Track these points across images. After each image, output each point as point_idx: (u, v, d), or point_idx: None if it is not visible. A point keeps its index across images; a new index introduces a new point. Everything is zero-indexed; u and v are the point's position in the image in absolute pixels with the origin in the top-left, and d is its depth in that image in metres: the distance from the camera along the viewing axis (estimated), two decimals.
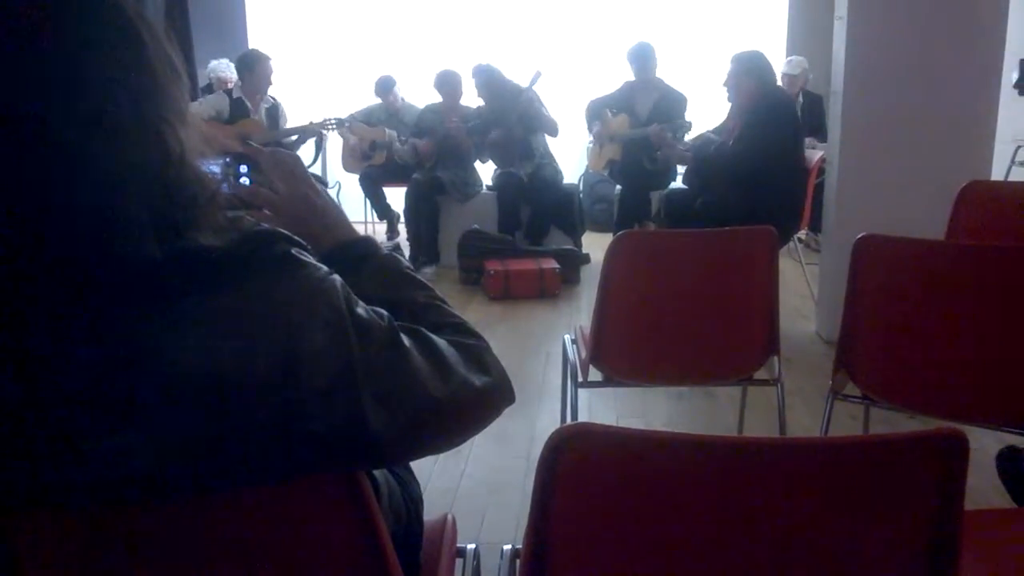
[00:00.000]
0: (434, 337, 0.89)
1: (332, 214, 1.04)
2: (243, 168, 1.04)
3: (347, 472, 0.83)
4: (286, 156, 1.06)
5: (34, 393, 0.69)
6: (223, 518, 0.79)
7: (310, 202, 1.02)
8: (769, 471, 0.79)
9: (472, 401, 0.89)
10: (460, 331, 0.95)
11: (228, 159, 1.03)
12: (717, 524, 0.84)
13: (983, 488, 2.31)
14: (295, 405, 0.73)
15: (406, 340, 0.84)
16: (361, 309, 0.80)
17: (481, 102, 5.81)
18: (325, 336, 0.75)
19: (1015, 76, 1.89)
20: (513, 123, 5.61)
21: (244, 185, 1.02)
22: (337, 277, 0.80)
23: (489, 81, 5.62)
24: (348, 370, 0.76)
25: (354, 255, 1.00)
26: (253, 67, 5.46)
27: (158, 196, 0.71)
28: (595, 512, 0.90)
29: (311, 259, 0.78)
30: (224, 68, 6.15)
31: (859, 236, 1.91)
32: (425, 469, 2.65)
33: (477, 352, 0.93)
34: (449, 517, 1.36)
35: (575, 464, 0.86)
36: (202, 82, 6.54)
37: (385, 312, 0.84)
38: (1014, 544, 1.36)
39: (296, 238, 0.78)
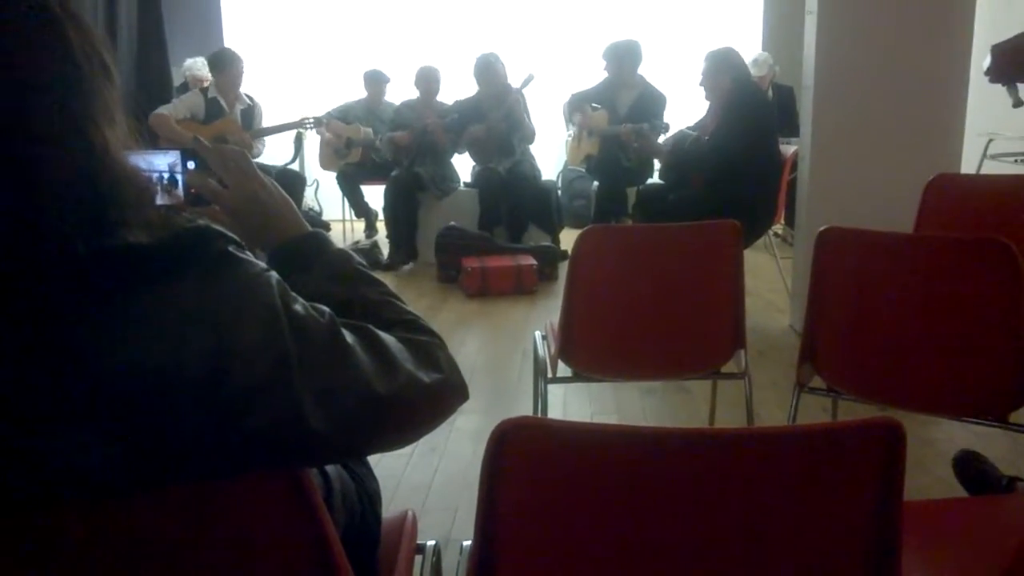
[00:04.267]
0: (381, 334, 0.88)
1: (281, 210, 1.03)
2: (191, 164, 1.03)
3: (289, 469, 0.82)
4: (234, 152, 1.05)
5: None
6: (159, 517, 0.79)
7: (258, 198, 1.02)
8: (702, 462, 0.79)
9: (420, 398, 0.88)
10: (413, 328, 0.95)
11: (179, 152, 1.03)
12: (658, 515, 0.85)
13: (950, 478, 2.33)
14: (229, 403, 0.73)
15: (348, 337, 0.83)
16: (299, 306, 0.80)
17: (461, 96, 5.81)
18: (258, 333, 0.74)
19: (986, 63, 1.90)
20: (497, 119, 5.61)
21: (192, 177, 1.02)
22: (274, 274, 0.79)
23: (487, 69, 5.61)
24: (283, 367, 0.76)
25: (304, 251, 1.00)
26: (223, 68, 5.48)
27: (83, 195, 0.71)
28: (541, 505, 0.90)
29: (248, 256, 0.78)
30: (200, 67, 6.11)
31: (821, 229, 1.92)
32: (399, 465, 2.65)
33: (428, 348, 0.92)
34: (409, 514, 1.36)
35: (519, 457, 0.86)
36: (177, 80, 6.51)
37: (327, 309, 0.83)
38: (968, 531, 1.38)
39: (232, 235, 0.78)
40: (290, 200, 1.07)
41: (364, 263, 1.04)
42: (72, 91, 0.72)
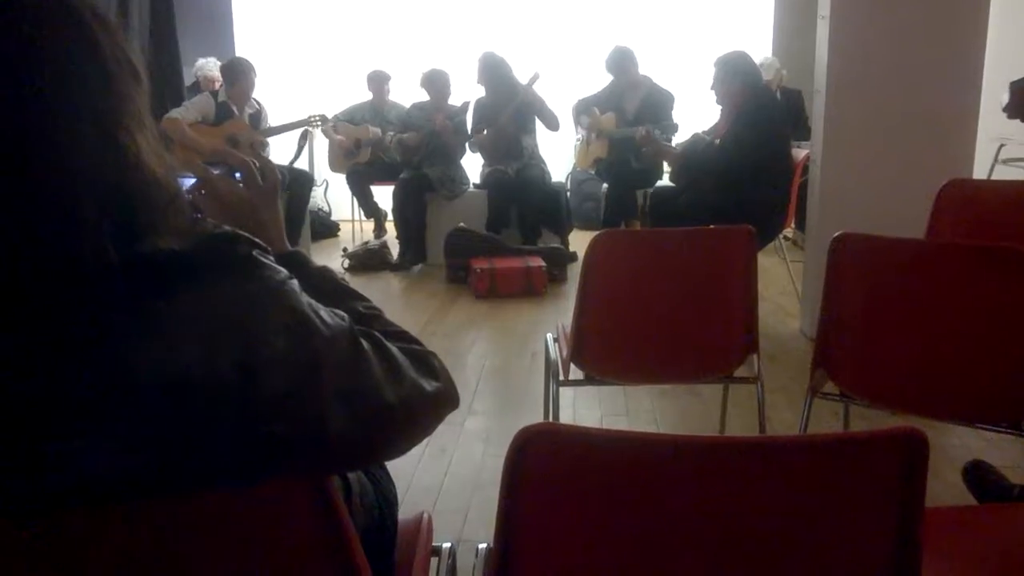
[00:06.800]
0: (387, 342, 0.90)
1: (271, 227, 1.08)
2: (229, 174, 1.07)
3: (310, 474, 0.83)
4: (267, 163, 1.10)
5: None
6: (184, 521, 0.79)
7: (255, 209, 1.07)
8: (725, 470, 0.80)
9: (423, 405, 0.91)
10: (404, 339, 0.97)
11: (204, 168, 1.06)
12: (679, 522, 0.85)
13: (963, 484, 2.33)
14: (256, 407, 0.74)
15: (364, 344, 0.85)
16: (324, 311, 0.80)
17: (466, 96, 5.82)
18: (286, 339, 0.75)
19: (1004, 100, 1.88)
20: (505, 119, 5.61)
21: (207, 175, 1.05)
22: (296, 281, 0.80)
23: (491, 69, 5.62)
24: (309, 372, 0.76)
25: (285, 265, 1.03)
26: (236, 79, 5.51)
27: (115, 201, 0.71)
28: (562, 511, 0.91)
29: (271, 262, 0.79)
30: (211, 67, 6.12)
31: (835, 235, 1.92)
32: (409, 467, 2.65)
33: (426, 357, 0.95)
34: (425, 516, 1.36)
35: (540, 463, 0.86)
36: (188, 80, 6.53)
37: (346, 315, 0.84)
38: (984, 539, 1.38)
39: (257, 240, 0.78)
40: (282, 223, 1.12)
41: (345, 279, 1.07)
42: (104, 98, 0.72)
